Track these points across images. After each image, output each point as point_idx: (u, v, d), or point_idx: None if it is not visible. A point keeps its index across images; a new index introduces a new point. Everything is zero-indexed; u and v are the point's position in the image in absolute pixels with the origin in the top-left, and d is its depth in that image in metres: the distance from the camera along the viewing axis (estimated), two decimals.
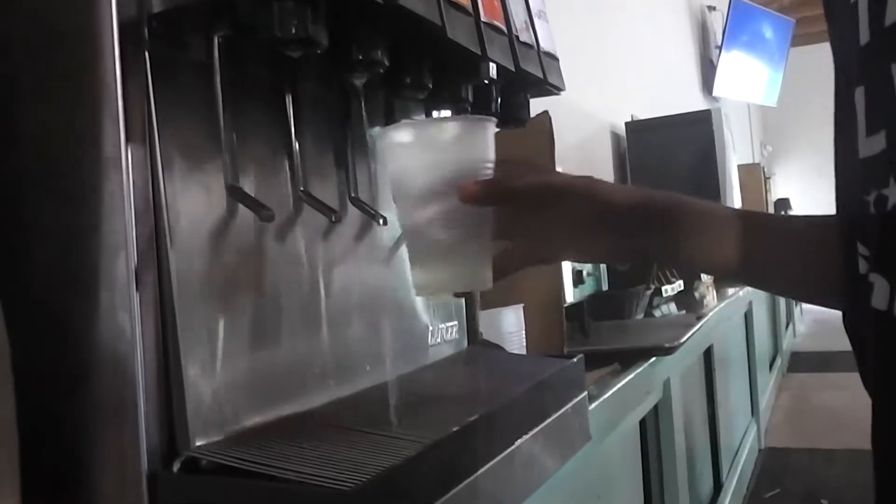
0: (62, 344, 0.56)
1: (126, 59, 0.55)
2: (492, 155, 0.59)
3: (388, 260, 0.83)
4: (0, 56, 0.59)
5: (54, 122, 0.59)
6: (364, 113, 0.65)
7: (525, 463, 0.73)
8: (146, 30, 0.56)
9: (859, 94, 0.45)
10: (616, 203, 0.60)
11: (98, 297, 0.56)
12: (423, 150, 0.57)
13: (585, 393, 0.91)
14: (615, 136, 3.31)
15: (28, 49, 0.59)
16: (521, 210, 0.62)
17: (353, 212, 0.77)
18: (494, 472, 0.67)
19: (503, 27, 0.76)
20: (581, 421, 0.89)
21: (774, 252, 0.62)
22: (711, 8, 5.75)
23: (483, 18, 0.72)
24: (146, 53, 0.57)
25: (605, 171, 3.14)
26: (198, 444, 0.57)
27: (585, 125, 2.89)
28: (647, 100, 3.76)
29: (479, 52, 0.70)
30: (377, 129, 0.61)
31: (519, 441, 0.72)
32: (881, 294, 0.43)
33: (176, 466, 0.55)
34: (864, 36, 0.45)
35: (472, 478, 0.63)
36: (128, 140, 0.55)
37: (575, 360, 0.89)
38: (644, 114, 3.44)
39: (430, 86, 0.72)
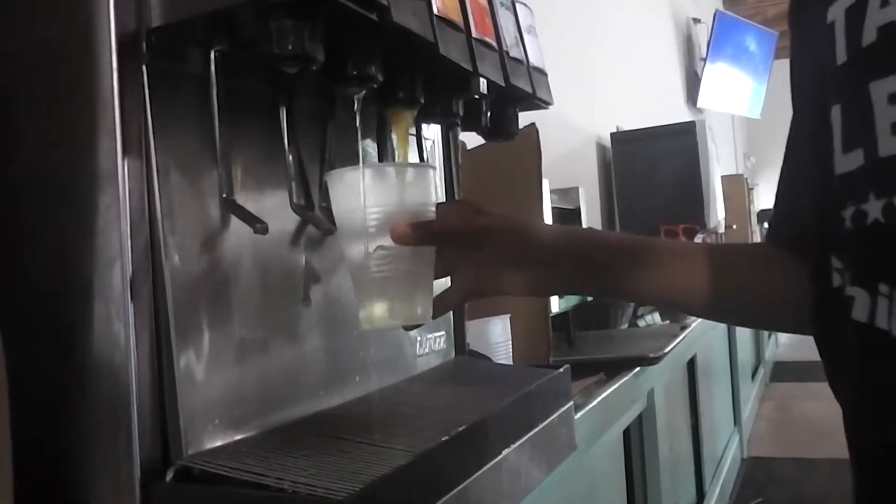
0: (57, 353, 0.57)
1: (124, 72, 0.56)
2: (432, 198, 0.66)
3: None
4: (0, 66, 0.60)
5: (52, 135, 0.59)
6: (359, 126, 0.66)
7: (512, 472, 0.74)
8: (144, 44, 0.57)
9: (836, 112, 0.47)
10: (536, 241, 0.68)
11: (93, 307, 0.56)
12: (369, 192, 0.63)
13: (572, 403, 0.92)
14: (601, 147, 3.33)
15: (27, 62, 0.60)
16: (455, 249, 0.69)
17: None
18: (483, 481, 0.68)
19: (494, 43, 0.77)
20: (567, 430, 0.91)
21: (710, 280, 0.67)
22: (696, 20, 5.81)
23: (474, 35, 0.73)
24: (144, 67, 0.57)
25: (590, 181, 3.17)
26: (191, 453, 0.57)
27: (571, 136, 2.91)
28: (632, 111, 3.79)
29: (471, 69, 0.71)
30: (330, 172, 0.67)
31: (507, 451, 0.73)
32: (861, 307, 0.44)
33: (169, 475, 0.55)
34: (840, 56, 0.46)
35: (460, 487, 0.64)
36: (124, 153, 0.56)
37: (561, 370, 0.90)
38: (629, 125, 3.46)
39: (422, 100, 0.73)
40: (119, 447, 0.54)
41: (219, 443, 0.60)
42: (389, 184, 0.65)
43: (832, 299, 0.48)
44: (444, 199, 0.72)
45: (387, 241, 0.63)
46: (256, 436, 0.63)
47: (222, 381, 0.61)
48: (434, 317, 0.68)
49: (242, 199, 0.65)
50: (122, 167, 0.56)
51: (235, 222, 0.64)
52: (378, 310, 0.65)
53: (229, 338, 0.63)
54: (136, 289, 0.56)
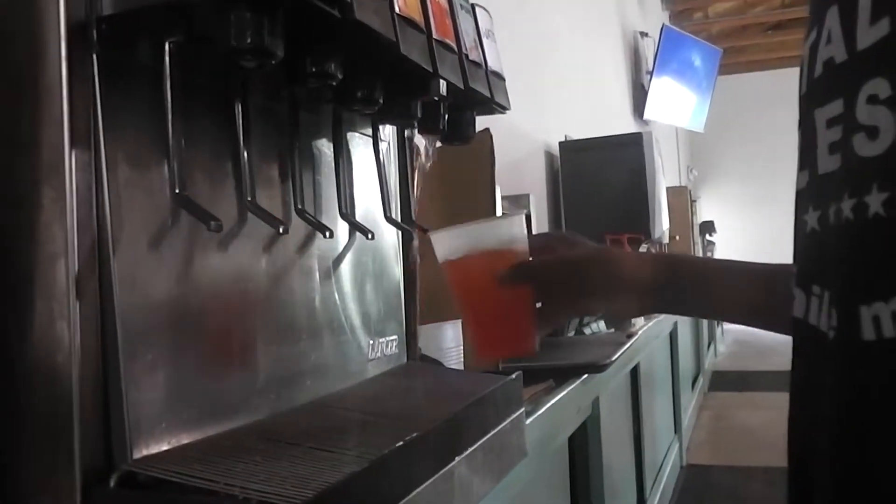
0: None
1: (73, 61, 0.54)
2: (524, 238, 0.77)
3: (331, 273, 0.82)
4: None
5: None
6: (340, 124, 0.64)
7: (465, 478, 0.73)
8: (95, 32, 0.55)
9: (799, 136, 0.51)
10: (625, 271, 0.76)
11: (34, 306, 0.54)
12: (475, 246, 0.75)
13: (523, 409, 0.92)
14: (549, 156, 3.36)
15: None
16: (549, 280, 0.77)
17: (297, 223, 0.76)
18: (437, 487, 0.67)
19: (454, 45, 0.77)
20: (518, 437, 0.90)
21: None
22: (644, 34, 5.90)
23: (435, 36, 0.73)
24: (94, 56, 0.55)
25: (538, 189, 3.19)
26: (136, 457, 0.55)
27: (521, 144, 2.93)
28: (580, 121, 3.83)
29: (431, 70, 0.71)
30: (434, 232, 0.77)
31: (460, 457, 0.72)
32: (799, 305, 0.51)
33: (113, 481, 0.53)
34: (802, 87, 0.51)
35: (414, 493, 0.63)
36: (72, 144, 0.54)
37: (513, 376, 0.90)
38: (577, 134, 3.50)
39: (381, 100, 0.72)
40: (59, 451, 0.52)
41: (165, 447, 0.58)
42: (491, 238, 0.75)
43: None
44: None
45: (491, 283, 0.74)
46: (205, 440, 0.61)
47: (170, 384, 0.59)
48: (540, 336, 0.78)
49: (193, 195, 0.63)
50: (69, 159, 0.54)
51: (186, 219, 0.62)
52: (490, 346, 0.79)
53: (178, 338, 0.61)
54: (82, 287, 0.53)
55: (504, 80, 0.89)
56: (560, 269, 0.77)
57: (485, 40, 0.86)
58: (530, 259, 0.77)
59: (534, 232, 0.86)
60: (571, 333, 2.15)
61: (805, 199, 0.50)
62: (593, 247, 0.79)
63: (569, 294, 0.78)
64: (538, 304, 0.78)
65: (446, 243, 0.76)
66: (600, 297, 0.77)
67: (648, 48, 5.89)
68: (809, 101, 0.49)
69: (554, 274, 0.77)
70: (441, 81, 0.74)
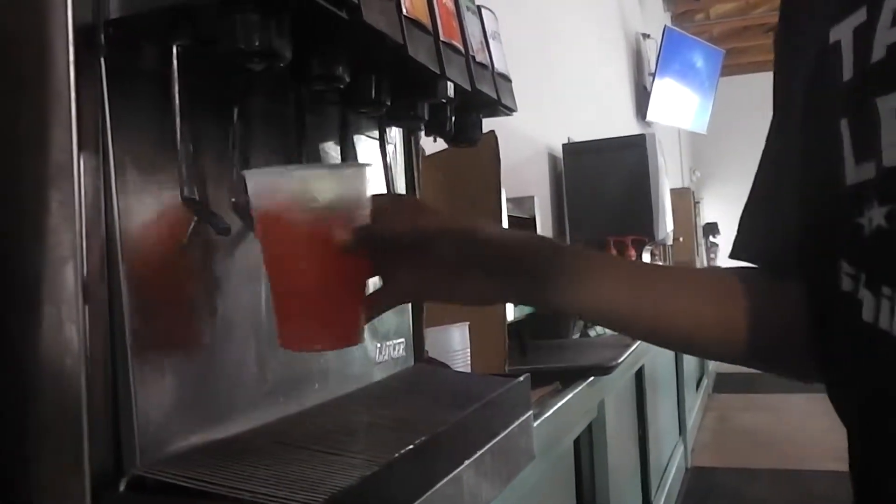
0: (4, 360, 0.54)
1: (81, 64, 0.54)
2: (366, 199, 0.60)
3: None
4: None
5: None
6: (347, 126, 0.64)
7: (474, 482, 0.73)
8: (102, 35, 0.55)
9: (844, 126, 0.48)
10: (480, 247, 0.62)
11: (42, 310, 0.54)
12: (296, 196, 0.57)
13: (531, 412, 0.92)
14: (552, 158, 3.35)
15: None
16: (394, 252, 0.63)
17: None
18: (446, 490, 0.66)
19: (461, 47, 0.76)
20: (526, 440, 0.90)
21: (671, 301, 0.63)
22: (646, 36, 5.90)
23: (442, 38, 0.72)
24: (102, 60, 0.55)
25: (541, 191, 3.18)
26: (144, 461, 0.55)
27: (524, 146, 2.92)
28: (583, 123, 3.82)
29: (438, 72, 0.70)
30: (245, 172, 0.61)
31: (469, 461, 0.72)
32: (869, 309, 0.46)
33: (122, 486, 0.53)
34: (847, 72, 0.48)
35: (424, 497, 0.63)
36: (80, 147, 0.54)
37: (521, 379, 0.90)
38: (580, 136, 3.49)
39: (388, 102, 0.72)
40: (68, 455, 0.52)
41: (174, 451, 0.58)
42: (316, 187, 0.58)
43: (840, 304, 0.49)
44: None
45: (312, 252, 0.57)
46: (213, 444, 0.61)
47: (179, 387, 0.59)
48: (366, 321, 0.63)
49: (201, 197, 0.62)
50: (77, 162, 0.53)
51: (194, 221, 0.61)
52: (300, 332, 0.60)
53: (186, 342, 0.61)
54: (90, 290, 0.53)
55: (510, 81, 0.89)
56: (407, 238, 0.61)
57: (491, 42, 0.86)
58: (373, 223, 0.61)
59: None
60: (576, 336, 2.15)
61: (869, 194, 0.46)
62: (449, 216, 0.64)
63: (412, 271, 0.63)
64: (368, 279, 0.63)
65: (263, 190, 0.58)
66: (449, 277, 0.62)
67: (650, 50, 5.89)
68: (866, 87, 0.46)
69: (397, 243, 0.62)
70: (448, 83, 0.74)
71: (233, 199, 0.66)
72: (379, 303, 0.65)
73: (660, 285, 0.64)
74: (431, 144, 1.05)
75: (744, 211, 0.66)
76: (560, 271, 0.62)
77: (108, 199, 0.55)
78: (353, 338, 0.62)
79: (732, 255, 0.66)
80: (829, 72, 0.49)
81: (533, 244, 0.63)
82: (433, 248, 0.61)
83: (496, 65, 0.86)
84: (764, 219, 0.64)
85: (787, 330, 0.60)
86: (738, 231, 0.66)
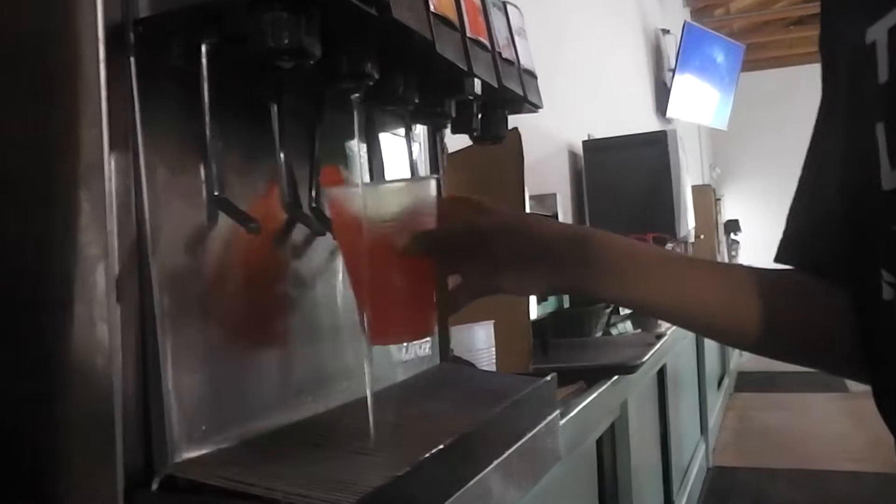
0: (37, 359, 0.54)
1: (111, 63, 0.54)
2: (433, 207, 0.66)
3: None
4: None
5: (31, 127, 0.56)
6: (356, 125, 0.64)
7: (501, 483, 0.72)
8: (132, 34, 0.55)
9: (880, 130, 0.47)
10: (536, 242, 0.65)
11: (74, 310, 0.54)
12: (372, 210, 0.63)
13: (558, 411, 0.91)
14: (572, 155, 3.34)
15: (6, 48, 0.57)
16: (458, 250, 0.67)
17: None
18: (475, 491, 0.66)
19: (487, 43, 0.76)
20: (553, 440, 0.89)
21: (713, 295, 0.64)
22: (665, 31, 5.86)
23: (469, 34, 0.72)
24: (131, 59, 0.55)
25: (562, 188, 3.17)
26: (176, 460, 0.55)
27: (544, 143, 2.91)
28: (603, 120, 3.80)
29: (466, 68, 0.70)
30: (326, 191, 0.66)
31: (497, 460, 0.71)
32: None
33: (154, 485, 0.53)
34: (883, 74, 0.47)
35: (454, 497, 0.62)
36: (111, 147, 0.53)
37: (548, 378, 0.89)
38: (600, 133, 3.48)
39: (416, 100, 0.71)
40: (101, 455, 0.52)
41: (205, 451, 0.58)
42: (390, 200, 0.64)
43: (883, 313, 0.49)
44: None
45: (388, 257, 0.63)
46: (243, 443, 0.61)
47: (209, 386, 0.59)
48: (444, 317, 0.69)
49: (230, 196, 0.62)
50: (108, 162, 0.53)
51: (224, 221, 0.61)
52: (380, 329, 0.65)
53: (217, 341, 0.60)
54: (122, 289, 0.53)
55: (536, 77, 0.88)
56: (465, 238, 0.66)
57: (517, 38, 0.85)
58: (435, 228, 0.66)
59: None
60: (599, 334, 2.14)
61: None
62: (505, 214, 0.68)
63: (475, 268, 0.68)
64: (445, 278, 0.69)
65: (342, 203, 0.65)
66: (513, 270, 0.66)
67: (670, 45, 5.85)
68: None
69: (458, 244, 0.67)
70: (476, 80, 0.73)
71: (286, 201, 0.67)
72: (456, 300, 0.70)
73: (702, 281, 0.65)
74: (452, 143, 1.04)
75: (789, 212, 0.65)
76: (610, 265, 0.65)
77: (138, 198, 0.55)
78: (428, 330, 0.69)
79: (777, 260, 0.65)
80: (866, 73, 0.48)
81: (584, 237, 0.66)
82: (490, 246, 0.65)
83: (522, 61, 0.85)
84: (807, 222, 0.63)
85: (828, 332, 0.59)
86: (784, 234, 0.65)
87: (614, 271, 0.65)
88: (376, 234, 0.63)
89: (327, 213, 0.68)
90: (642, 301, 0.66)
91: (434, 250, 0.65)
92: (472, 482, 0.66)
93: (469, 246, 0.67)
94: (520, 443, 0.77)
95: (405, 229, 0.63)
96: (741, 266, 0.67)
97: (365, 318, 0.65)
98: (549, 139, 3.01)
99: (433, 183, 0.66)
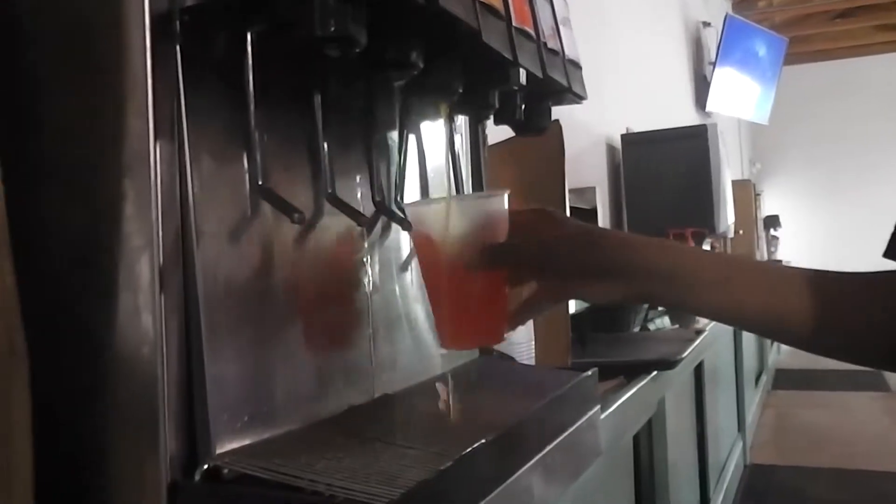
0: (82, 348, 0.54)
1: (156, 52, 0.54)
2: (503, 221, 0.69)
3: (405, 267, 0.81)
4: (23, 46, 0.57)
5: (77, 116, 0.56)
6: (398, 116, 0.63)
7: (543, 478, 0.72)
8: (178, 23, 0.55)
9: None
10: (600, 255, 0.67)
11: (120, 299, 0.54)
12: (444, 222, 0.66)
13: (598, 406, 0.90)
14: (610, 148, 3.31)
15: (53, 39, 0.57)
16: (526, 264, 0.70)
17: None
18: (517, 485, 0.65)
19: (532, 33, 0.75)
20: (594, 435, 0.88)
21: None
22: (706, 24, 5.78)
23: (514, 23, 0.71)
24: (177, 48, 0.55)
25: (600, 182, 3.14)
26: (219, 451, 0.55)
27: (582, 136, 2.89)
28: (642, 113, 3.76)
29: (511, 58, 0.69)
30: (407, 205, 0.72)
31: (539, 455, 0.70)
32: None
33: (198, 475, 0.53)
34: None
35: (495, 492, 0.62)
36: (156, 136, 0.53)
37: (589, 373, 0.88)
38: (638, 127, 3.44)
39: (460, 90, 0.70)
40: (146, 446, 0.52)
41: (247, 441, 0.57)
42: (466, 214, 0.67)
43: None
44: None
45: (456, 269, 0.66)
46: (285, 435, 0.61)
47: (252, 377, 0.59)
48: (513, 327, 0.71)
49: (274, 186, 0.62)
50: (154, 152, 0.53)
51: (267, 211, 0.61)
52: (452, 334, 0.70)
53: (260, 331, 0.60)
54: (166, 279, 0.53)
55: (581, 68, 0.87)
56: (538, 251, 0.69)
57: (561, 28, 0.84)
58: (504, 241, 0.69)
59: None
60: (636, 329, 2.12)
61: None
62: (577, 226, 0.71)
63: (546, 279, 0.71)
64: (518, 288, 0.72)
65: (420, 218, 0.69)
66: (581, 282, 0.68)
67: (711, 38, 5.76)
68: None
69: (530, 257, 0.69)
70: (521, 70, 0.72)
71: (329, 191, 0.67)
72: (529, 308, 0.73)
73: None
74: (490, 135, 1.03)
75: None
76: (678, 274, 0.66)
77: (183, 188, 0.55)
78: (498, 337, 0.72)
79: (886, 255, 0.64)
80: None
81: (650, 248, 0.68)
82: (556, 260, 0.68)
83: (567, 51, 0.84)
84: None
85: None
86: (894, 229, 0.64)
87: (683, 280, 0.66)
88: (452, 245, 0.66)
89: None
90: (718, 310, 0.68)
91: (503, 263, 0.68)
92: (513, 477, 0.65)
93: (537, 260, 0.69)
94: (561, 437, 0.76)
95: (478, 242, 0.66)
96: (821, 272, 0.67)
97: (438, 323, 0.71)
98: (587, 132, 2.99)
99: (506, 197, 0.69)
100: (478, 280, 0.68)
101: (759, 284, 0.66)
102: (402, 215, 0.75)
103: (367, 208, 0.75)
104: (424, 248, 0.69)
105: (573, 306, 1.58)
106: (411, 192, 0.81)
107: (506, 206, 0.69)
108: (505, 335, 0.71)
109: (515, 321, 0.72)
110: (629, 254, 0.67)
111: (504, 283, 0.69)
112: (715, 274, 0.67)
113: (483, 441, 0.60)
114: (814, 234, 7.50)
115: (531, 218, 0.71)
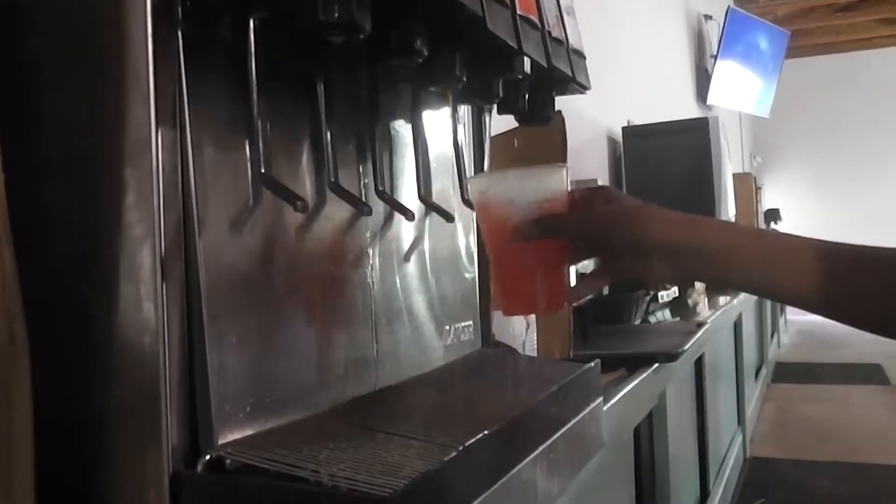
0: (83, 338, 0.54)
1: (158, 38, 0.53)
2: (564, 194, 0.70)
3: (408, 256, 0.81)
4: (25, 34, 0.56)
5: (79, 104, 0.56)
6: (418, 104, 0.63)
7: (547, 468, 0.71)
8: (179, 9, 0.54)
9: None
10: (655, 233, 0.67)
11: (121, 288, 0.53)
12: (507, 193, 0.69)
13: (601, 398, 0.89)
14: (611, 141, 3.30)
15: (54, 27, 0.56)
16: (578, 237, 0.72)
17: (375, 206, 0.74)
18: (521, 476, 0.65)
19: (537, 21, 0.74)
20: (596, 427, 0.88)
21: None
22: (708, 17, 5.76)
23: (519, 11, 0.70)
24: (179, 34, 0.54)
25: (601, 174, 3.13)
26: (221, 442, 0.54)
27: (583, 128, 2.88)
28: (642, 106, 3.75)
29: (516, 47, 0.68)
30: (472, 177, 0.76)
31: (542, 446, 0.70)
32: None
33: (200, 466, 0.52)
34: None
35: (498, 484, 0.61)
36: (158, 123, 0.53)
37: (592, 364, 0.87)
38: (640, 119, 3.43)
39: (464, 78, 0.70)
40: (148, 435, 0.51)
41: (250, 432, 0.57)
42: (528, 186, 0.69)
43: None
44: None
45: (520, 237, 0.69)
46: (287, 425, 0.60)
47: (254, 367, 0.58)
48: (572, 301, 0.77)
49: (276, 174, 0.61)
50: (155, 139, 0.53)
51: (270, 199, 0.61)
52: (512, 301, 0.73)
53: (262, 321, 0.60)
54: (168, 268, 0.52)
55: (585, 58, 0.87)
56: (589, 225, 0.70)
57: (566, 17, 0.83)
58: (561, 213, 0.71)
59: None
60: (638, 321, 2.11)
61: None
62: (630, 203, 0.71)
63: (601, 254, 0.73)
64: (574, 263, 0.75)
65: (483, 189, 0.71)
66: (629, 260, 0.70)
67: (713, 31, 5.74)
68: None
69: (582, 230, 0.71)
70: (525, 59, 0.72)
71: (331, 180, 0.66)
72: (587, 285, 0.77)
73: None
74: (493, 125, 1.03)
75: None
76: (728, 251, 0.67)
77: (184, 176, 0.54)
78: (556, 306, 0.73)
79: None
80: None
81: (700, 226, 0.69)
82: (609, 236, 0.69)
83: (571, 41, 0.83)
84: None
85: None
86: None
87: (734, 258, 0.67)
88: (515, 215, 0.68)
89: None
90: (770, 288, 0.69)
91: (558, 233, 0.70)
92: (517, 468, 0.65)
93: (590, 233, 0.70)
94: (565, 428, 0.76)
95: (540, 212, 0.68)
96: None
97: (499, 291, 0.74)
98: (588, 124, 2.98)
99: (565, 171, 0.71)
100: (538, 250, 0.70)
101: (801, 266, 0.66)
102: (397, 202, 0.74)
103: (370, 197, 0.74)
104: (489, 218, 0.71)
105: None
106: (410, 183, 0.81)
107: (566, 179, 0.71)
108: (562, 306, 0.74)
109: (575, 294, 0.75)
110: (675, 231, 0.67)
111: (563, 256, 0.72)
112: (761, 254, 0.67)
113: (486, 432, 0.60)
114: (814, 227, 7.48)
115: (589, 193, 0.73)
